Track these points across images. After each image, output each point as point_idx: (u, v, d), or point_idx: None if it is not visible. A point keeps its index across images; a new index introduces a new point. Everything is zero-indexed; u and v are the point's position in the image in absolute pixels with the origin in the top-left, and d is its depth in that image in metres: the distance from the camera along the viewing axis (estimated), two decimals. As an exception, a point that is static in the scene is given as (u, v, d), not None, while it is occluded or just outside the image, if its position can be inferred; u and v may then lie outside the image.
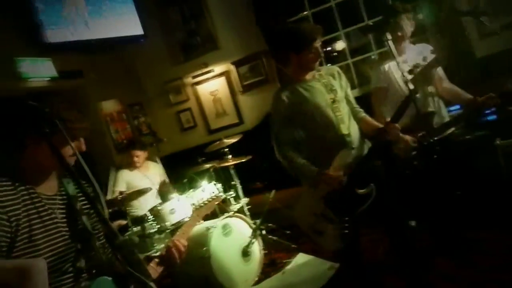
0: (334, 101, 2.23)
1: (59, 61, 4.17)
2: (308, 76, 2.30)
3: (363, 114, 2.40)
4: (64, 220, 1.40)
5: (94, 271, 1.42)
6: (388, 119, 2.26)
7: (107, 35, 4.52)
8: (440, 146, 2.42)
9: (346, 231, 2.13)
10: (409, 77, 2.31)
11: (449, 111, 2.90)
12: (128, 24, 4.78)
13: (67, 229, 1.39)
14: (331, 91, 2.25)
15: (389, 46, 2.22)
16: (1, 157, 1.38)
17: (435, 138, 2.42)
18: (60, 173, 1.46)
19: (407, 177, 2.59)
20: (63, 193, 1.46)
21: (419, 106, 2.29)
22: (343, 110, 2.26)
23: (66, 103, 1.37)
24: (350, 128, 2.24)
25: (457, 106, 3.07)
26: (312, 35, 2.18)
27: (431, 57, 2.44)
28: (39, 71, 3.91)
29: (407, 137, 2.46)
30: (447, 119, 2.69)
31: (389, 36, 2.22)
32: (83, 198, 1.48)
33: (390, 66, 2.68)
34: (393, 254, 2.36)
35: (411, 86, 2.16)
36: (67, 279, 1.35)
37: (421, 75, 2.40)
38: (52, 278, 1.29)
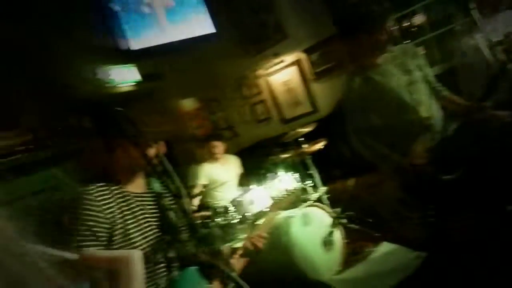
0: (410, 83, 2.08)
1: (142, 65, 4.50)
2: (380, 59, 2.17)
3: (445, 92, 2.21)
4: (154, 215, 1.52)
5: (183, 262, 1.53)
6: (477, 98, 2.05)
7: (182, 37, 4.76)
8: None
9: (431, 219, 2.00)
10: (499, 48, 2.06)
11: None
12: (200, 24, 4.97)
13: (156, 223, 1.51)
14: (406, 72, 2.10)
15: (474, 16, 1.99)
16: (94, 162, 1.55)
17: None
18: (147, 172, 1.59)
19: (503, 157, 2.34)
20: (151, 190, 1.58)
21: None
22: (422, 92, 2.11)
23: (148, 108, 1.48)
24: (431, 110, 2.09)
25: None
26: (383, 15, 2.05)
27: None
28: (124, 77, 4.27)
29: (501, 113, 2.22)
30: None
31: (472, 5, 2.00)
32: (169, 194, 1.59)
33: (476, 38, 2.41)
34: (486, 243, 2.16)
35: (503, 58, 1.93)
36: (160, 268, 1.47)
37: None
38: (148, 268, 1.42)
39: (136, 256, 0.41)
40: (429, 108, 2.09)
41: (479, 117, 2.00)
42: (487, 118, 2.17)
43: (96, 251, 0.40)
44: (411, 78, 2.09)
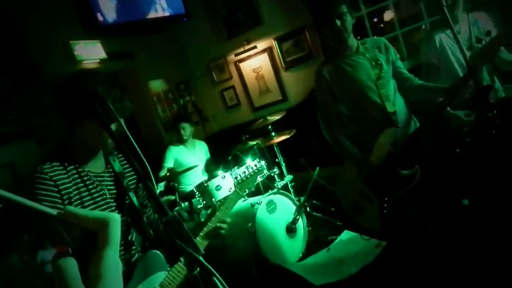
0: (379, 77, 2.11)
1: (112, 43, 4.33)
2: (351, 50, 2.18)
3: (419, 81, 2.22)
4: (113, 196, 1.48)
5: (146, 244, 1.50)
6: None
7: (151, 15, 4.61)
8: (499, 121, 2.24)
9: (385, 211, 2.08)
10: (468, 53, 2.09)
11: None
12: (171, 4, 4.83)
13: (115, 204, 1.47)
14: (377, 65, 2.12)
15: (446, 14, 1.95)
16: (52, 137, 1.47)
17: (494, 112, 2.23)
18: (107, 151, 1.53)
19: (459, 155, 2.45)
20: (110, 170, 1.53)
21: (478, 80, 2.09)
22: (389, 87, 2.15)
23: (109, 83, 1.42)
24: (396, 105, 2.13)
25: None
26: (327, 4, 2.04)
27: (495, 31, 2.20)
28: (91, 53, 4.09)
29: (459, 113, 2.31)
30: (502, 94, 2.47)
31: (445, 2, 2.01)
32: (130, 175, 1.54)
33: (442, 38, 2.45)
34: (442, 235, 2.28)
35: (472, 64, 1.95)
36: (120, 251, 1.44)
37: (485, 52, 1.99)
38: None
39: (116, 219, 0.43)
40: (394, 103, 2.13)
41: (439, 116, 2.06)
42: (446, 117, 2.27)
43: (74, 209, 0.41)
44: (380, 72, 2.12)
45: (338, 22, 2.04)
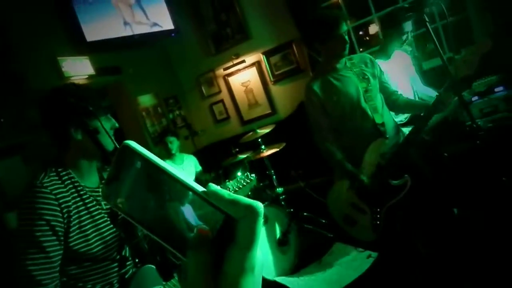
0: (366, 91, 2.17)
1: (100, 58, 4.32)
2: (339, 65, 2.24)
3: (404, 97, 2.31)
4: (108, 210, 1.46)
5: (137, 260, 1.48)
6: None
7: (140, 31, 4.62)
8: (486, 130, 2.30)
9: (378, 222, 2.10)
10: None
11: None
12: (159, 19, 4.86)
13: (110, 218, 1.45)
14: (364, 79, 2.19)
15: (428, 28, 2.04)
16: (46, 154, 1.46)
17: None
18: (100, 166, 1.52)
19: (447, 164, 2.50)
20: None
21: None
22: (377, 99, 2.21)
23: (84, 86, 1.42)
24: (384, 117, 2.19)
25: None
26: (335, 22, 2.10)
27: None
28: (78, 69, 4.07)
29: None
30: None
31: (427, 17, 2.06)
32: None
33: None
34: (433, 244, 2.29)
35: (453, 73, 1.98)
36: (114, 267, 1.41)
37: (466, 61, 2.02)
38: (103, 266, 1.36)
39: (262, 208, 0.32)
40: (382, 115, 2.19)
41: (422, 128, 2.07)
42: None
43: (219, 189, 0.33)
44: (367, 86, 2.18)
45: (347, 38, 2.12)
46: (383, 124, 2.16)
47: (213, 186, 0.40)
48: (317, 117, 2.27)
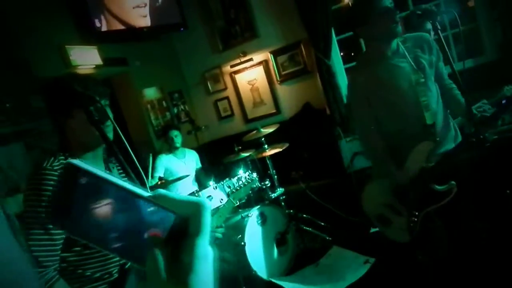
0: (420, 83, 1.85)
1: (107, 49, 4.32)
2: (389, 51, 1.91)
3: (455, 91, 2.00)
4: None
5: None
6: None
7: (148, 23, 4.62)
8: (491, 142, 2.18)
9: (412, 225, 1.99)
10: None
11: None
12: (168, 13, 4.86)
13: None
14: (419, 69, 1.86)
15: (440, 36, 1.80)
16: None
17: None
18: (105, 157, 1.52)
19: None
20: None
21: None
22: (431, 93, 1.90)
23: (91, 79, 1.42)
24: (436, 116, 1.91)
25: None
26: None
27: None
28: (86, 58, 4.07)
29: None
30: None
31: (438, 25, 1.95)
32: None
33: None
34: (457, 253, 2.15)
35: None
36: (114, 257, 1.41)
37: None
38: (103, 255, 1.36)
39: (208, 206, 0.38)
40: (435, 114, 1.91)
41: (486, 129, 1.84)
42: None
43: (166, 192, 0.37)
44: (421, 77, 1.86)
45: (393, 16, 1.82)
46: (433, 125, 1.89)
47: (161, 190, 0.43)
48: (362, 112, 2.04)
